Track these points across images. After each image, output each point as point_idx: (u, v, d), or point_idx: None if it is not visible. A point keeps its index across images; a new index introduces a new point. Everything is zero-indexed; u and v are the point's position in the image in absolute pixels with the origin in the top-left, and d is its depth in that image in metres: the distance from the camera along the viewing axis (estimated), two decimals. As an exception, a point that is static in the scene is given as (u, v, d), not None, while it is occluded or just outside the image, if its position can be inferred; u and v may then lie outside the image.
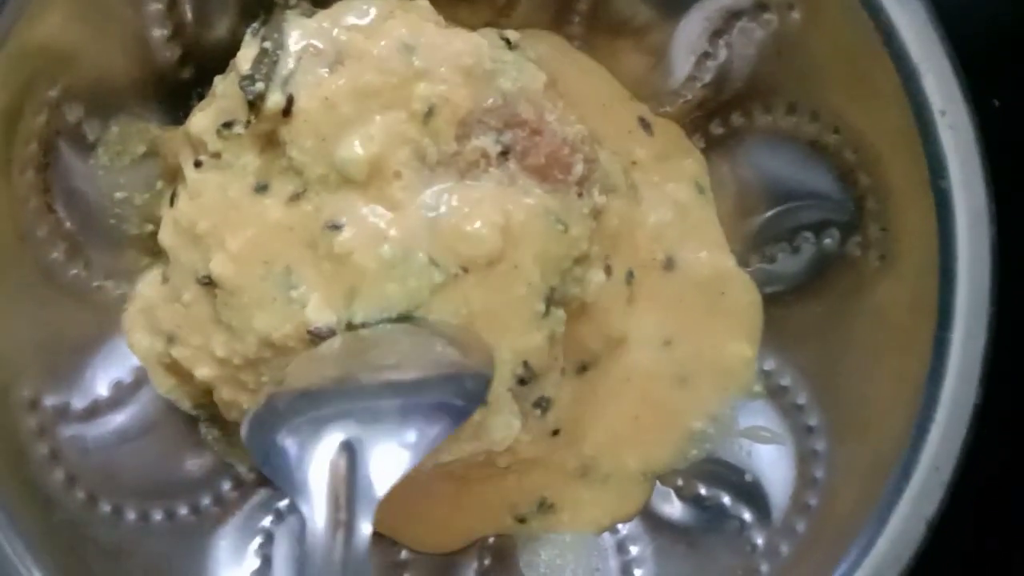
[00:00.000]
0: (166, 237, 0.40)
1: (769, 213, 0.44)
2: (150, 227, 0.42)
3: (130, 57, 0.41)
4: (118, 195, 0.42)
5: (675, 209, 0.44)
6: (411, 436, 0.31)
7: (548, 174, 0.38)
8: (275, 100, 0.37)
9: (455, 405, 0.33)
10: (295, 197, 0.37)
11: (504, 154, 0.38)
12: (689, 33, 0.43)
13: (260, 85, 0.37)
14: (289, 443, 0.31)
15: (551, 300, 0.38)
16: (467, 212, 0.37)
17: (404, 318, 0.37)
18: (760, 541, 0.42)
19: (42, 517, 0.38)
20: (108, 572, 0.40)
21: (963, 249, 0.38)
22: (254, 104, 0.37)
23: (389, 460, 0.31)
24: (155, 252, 0.42)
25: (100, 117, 0.41)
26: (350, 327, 0.37)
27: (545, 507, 0.44)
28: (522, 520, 0.44)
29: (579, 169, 0.39)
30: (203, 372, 0.40)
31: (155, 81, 0.42)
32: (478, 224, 0.36)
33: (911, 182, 0.38)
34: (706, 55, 0.43)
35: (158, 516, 0.42)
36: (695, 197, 0.45)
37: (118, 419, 0.42)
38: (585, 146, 0.39)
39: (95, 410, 0.41)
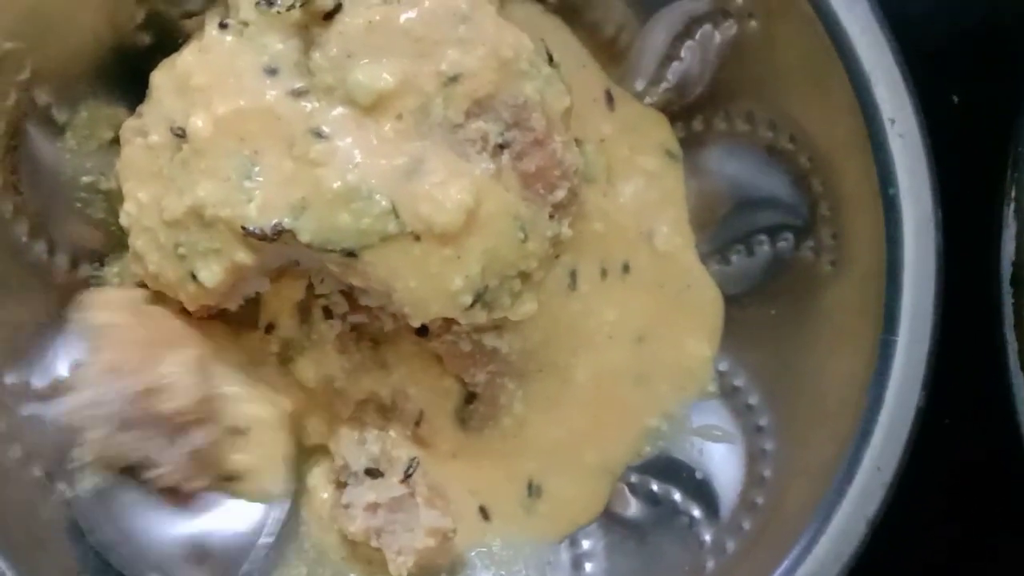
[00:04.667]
0: (157, 75, 0.40)
1: (727, 216, 0.45)
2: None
3: (101, 43, 0.42)
4: (85, 179, 0.43)
5: (646, 179, 0.45)
6: None
7: (532, 184, 0.39)
8: (325, 1, 0.37)
9: None
10: (296, 93, 0.38)
11: (501, 147, 0.38)
12: (654, 36, 0.44)
13: None
14: None
15: (480, 298, 0.39)
16: (444, 180, 0.37)
17: (348, 254, 0.37)
18: (708, 538, 0.42)
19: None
20: (63, 550, 0.40)
21: (909, 255, 0.38)
22: None
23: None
24: (120, 237, 0.43)
25: (69, 101, 0.42)
26: (292, 238, 0.37)
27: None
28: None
29: (560, 194, 0.39)
30: (129, 208, 0.40)
31: (126, 69, 0.42)
32: (450, 193, 0.37)
33: (861, 189, 0.39)
34: (669, 58, 0.44)
35: (115, 497, 0.42)
36: (666, 164, 0.45)
37: (78, 399, 0.42)
38: (576, 179, 0.40)
39: (55, 389, 0.42)
